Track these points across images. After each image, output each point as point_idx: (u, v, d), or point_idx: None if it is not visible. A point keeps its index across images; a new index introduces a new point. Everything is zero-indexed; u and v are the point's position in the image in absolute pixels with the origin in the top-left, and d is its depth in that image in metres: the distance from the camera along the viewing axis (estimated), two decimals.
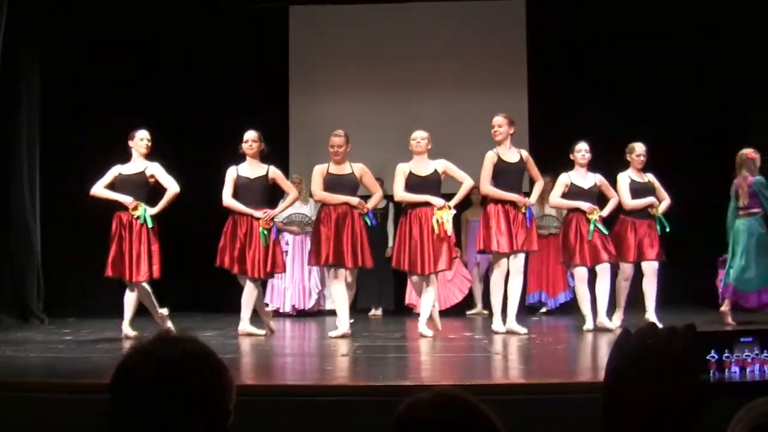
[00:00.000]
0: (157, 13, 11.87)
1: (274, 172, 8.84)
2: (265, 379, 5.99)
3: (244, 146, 8.71)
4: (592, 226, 8.80)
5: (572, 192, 9.04)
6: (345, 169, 8.64)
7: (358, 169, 8.72)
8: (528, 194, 8.97)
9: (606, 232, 8.89)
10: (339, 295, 8.51)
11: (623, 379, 1.45)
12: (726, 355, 1.49)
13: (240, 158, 8.77)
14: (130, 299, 8.52)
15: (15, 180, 10.22)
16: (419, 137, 8.73)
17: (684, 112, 11.69)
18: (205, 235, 9.62)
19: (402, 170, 8.64)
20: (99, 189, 8.63)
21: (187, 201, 9.24)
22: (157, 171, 8.70)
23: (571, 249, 8.90)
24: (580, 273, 8.89)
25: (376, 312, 11.87)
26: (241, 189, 8.64)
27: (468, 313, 11.75)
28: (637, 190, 9.15)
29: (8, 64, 9.52)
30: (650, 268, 9.05)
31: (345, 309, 8.46)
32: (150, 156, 8.80)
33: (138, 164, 8.68)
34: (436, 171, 8.66)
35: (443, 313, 10.97)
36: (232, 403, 1.81)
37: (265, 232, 8.54)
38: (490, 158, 8.75)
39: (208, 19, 12.26)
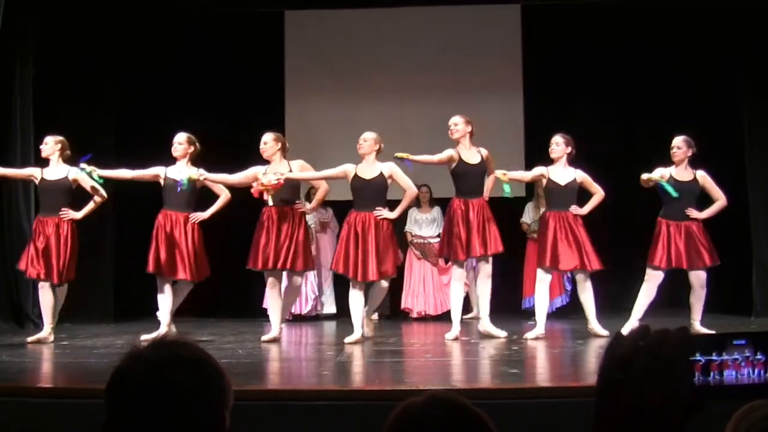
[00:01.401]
0: (151, 16, 11.87)
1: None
2: (261, 383, 5.99)
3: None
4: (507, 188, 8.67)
5: (549, 188, 8.86)
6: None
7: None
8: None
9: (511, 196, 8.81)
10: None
11: (615, 381, 1.45)
12: (719, 357, 1.49)
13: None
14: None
15: (9, 183, 10.20)
16: (362, 138, 8.69)
17: (680, 117, 11.70)
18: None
19: (345, 170, 8.60)
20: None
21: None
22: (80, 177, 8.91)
23: (549, 250, 8.62)
24: (544, 275, 8.72)
25: (373, 316, 11.86)
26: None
27: (464, 317, 11.72)
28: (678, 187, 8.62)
29: (2, 53, 9.54)
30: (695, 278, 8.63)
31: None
32: (149, 160, 8.86)
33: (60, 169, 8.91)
34: (381, 174, 8.58)
35: (439, 317, 10.99)
36: (229, 408, 1.81)
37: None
38: (447, 155, 8.69)
39: (202, 24, 12.26)
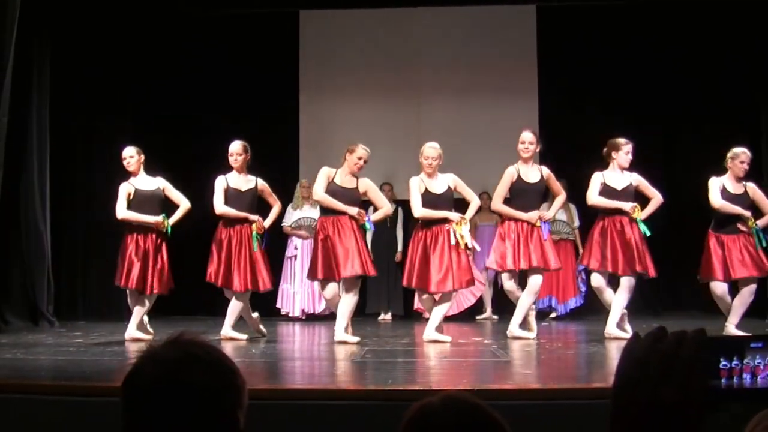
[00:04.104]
0: (167, 16, 11.90)
1: (263, 184, 8.91)
2: (274, 383, 5.99)
3: (230, 159, 8.76)
4: (642, 226, 8.42)
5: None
6: (352, 182, 8.60)
7: (364, 184, 8.70)
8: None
9: (648, 233, 8.45)
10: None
11: (631, 383, 1.45)
12: (736, 361, 1.48)
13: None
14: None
15: (25, 183, 10.25)
16: (431, 157, 8.52)
17: (694, 119, 11.69)
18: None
19: (417, 185, 8.52)
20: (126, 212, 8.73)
21: (201, 207, 9.28)
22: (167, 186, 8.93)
23: (601, 252, 8.47)
24: (599, 279, 8.57)
25: (385, 317, 11.88)
26: (231, 199, 8.71)
27: (477, 317, 11.74)
28: (729, 200, 8.46)
29: (19, 61, 9.58)
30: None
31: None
32: (154, 165, 8.91)
33: (148, 181, 8.88)
34: (449, 188, 8.57)
35: (452, 318, 10.98)
36: (244, 407, 1.81)
37: (258, 237, 8.65)
38: (509, 175, 8.64)
39: (218, 24, 12.28)
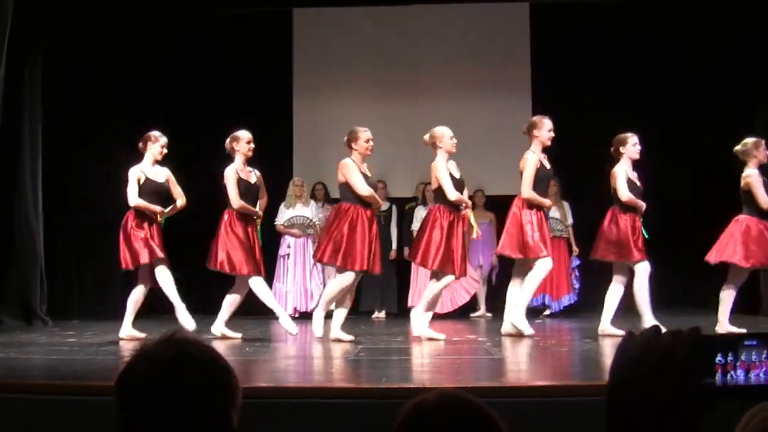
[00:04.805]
0: (159, 14, 11.87)
1: (260, 176, 8.89)
2: (268, 381, 5.99)
3: (248, 147, 8.71)
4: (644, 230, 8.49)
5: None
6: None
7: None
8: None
9: (647, 236, 8.53)
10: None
11: (626, 381, 1.45)
12: (730, 358, 1.49)
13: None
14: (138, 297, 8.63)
15: (18, 181, 10.24)
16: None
17: (689, 117, 11.70)
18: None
19: (446, 168, 8.51)
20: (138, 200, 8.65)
21: (195, 204, 9.27)
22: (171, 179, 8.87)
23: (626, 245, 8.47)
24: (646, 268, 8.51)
25: (379, 314, 11.88)
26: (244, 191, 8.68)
27: (471, 315, 11.74)
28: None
29: (11, 63, 9.56)
30: None
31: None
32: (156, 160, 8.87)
33: (158, 171, 8.80)
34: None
35: (447, 316, 10.99)
36: (238, 406, 1.81)
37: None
38: (534, 162, 8.57)
39: (210, 22, 12.26)
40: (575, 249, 11.68)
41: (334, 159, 8.71)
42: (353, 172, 8.33)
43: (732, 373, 1.49)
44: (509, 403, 4.47)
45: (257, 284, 8.57)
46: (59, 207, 11.29)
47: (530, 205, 8.54)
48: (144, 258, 8.46)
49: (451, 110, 12.09)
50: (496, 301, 10.61)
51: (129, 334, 8.50)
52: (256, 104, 12.21)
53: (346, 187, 8.40)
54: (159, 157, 8.76)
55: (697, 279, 10.38)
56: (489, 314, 11.59)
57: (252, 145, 8.70)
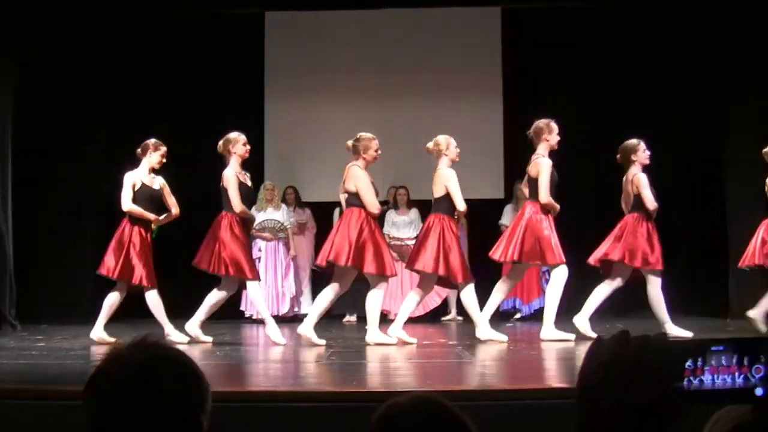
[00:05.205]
0: (129, 18, 11.81)
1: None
2: (239, 385, 5.98)
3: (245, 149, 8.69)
4: None
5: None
6: None
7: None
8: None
9: None
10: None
11: (595, 387, 1.46)
12: (699, 363, 1.50)
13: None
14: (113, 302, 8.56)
15: None
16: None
17: (659, 120, 11.74)
18: (185, 240, 9.55)
19: (456, 177, 8.55)
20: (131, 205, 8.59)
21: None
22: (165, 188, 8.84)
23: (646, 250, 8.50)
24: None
25: (351, 318, 11.86)
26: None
27: (443, 319, 11.76)
28: None
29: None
30: None
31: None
32: (122, 166, 8.83)
33: (155, 179, 8.75)
34: None
35: (418, 320, 10.99)
36: (207, 411, 1.81)
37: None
38: (549, 167, 8.52)
39: (181, 25, 12.21)
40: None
41: (305, 163, 8.71)
42: (366, 183, 8.39)
43: (700, 377, 1.50)
44: (480, 407, 4.49)
45: (256, 290, 8.58)
46: (28, 208, 11.18)
47: (546, 210, 8.52)
48: (137, 279, 8.45)
49: (423, 114, 12.12)
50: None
51: (100, 336, 8.44)
52: (227, 108, 12.16)
53: (357, 196, 8.41)
54: (157, 167, 8.72)
55: (694, 280, 10.47)
56: (460, 318, 11.60)
57: (248, 147, 8.67)
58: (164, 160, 8.72)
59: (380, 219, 11.83)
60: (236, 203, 8.44)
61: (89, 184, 11.34)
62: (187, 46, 12.32)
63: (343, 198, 8.60)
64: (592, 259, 8.65)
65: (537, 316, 11.44)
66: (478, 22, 12.57)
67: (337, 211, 11.19)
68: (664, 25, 11.72)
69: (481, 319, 8.45)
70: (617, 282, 8.58)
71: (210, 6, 11.94)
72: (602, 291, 8.55)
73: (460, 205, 8.46)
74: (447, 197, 8.52)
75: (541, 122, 8.74)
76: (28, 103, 10.85)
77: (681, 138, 11.29)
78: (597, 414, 1.44)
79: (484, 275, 9.33)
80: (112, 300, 8.59)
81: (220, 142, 8.67)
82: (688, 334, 8.11)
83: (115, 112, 11.88)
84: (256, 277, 8.53)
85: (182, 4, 11.80)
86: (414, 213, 11.68)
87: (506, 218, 11.44)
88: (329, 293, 8.42)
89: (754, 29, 10.62)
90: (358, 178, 8.37)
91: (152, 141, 8.72)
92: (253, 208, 11.70)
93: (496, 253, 8.72)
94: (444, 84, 12.37)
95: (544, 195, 8.45)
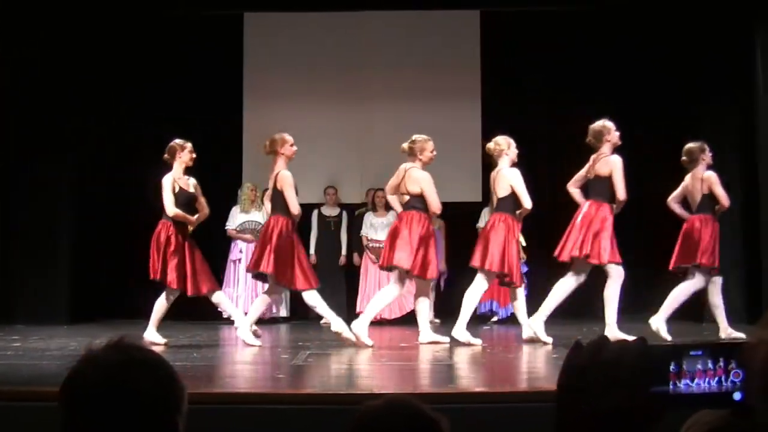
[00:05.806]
0: (106, 19, 11.76)
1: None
2: (215, 387, 5.96)
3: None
4: None
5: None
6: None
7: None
8: None
9: None
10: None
11: (574, 391, 1.46)
12: (675, 367, 1.51)
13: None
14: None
15: None
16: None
17: (639, 122, 11.78)
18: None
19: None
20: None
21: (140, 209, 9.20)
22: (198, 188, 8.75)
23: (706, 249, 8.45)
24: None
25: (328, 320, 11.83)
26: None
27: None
28: None
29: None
30: None
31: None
32: (105, 166, 8.77)
33: (189, 181, 8.66)
34: None
35: (395, 321, 10.99)
36: (183, 413, 1.80)
37: None
38: (621, 165, 8.39)
39: (159, 26, 12.15)
40: (523, 255, 11.71)
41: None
42: (432, 184, 8.43)
43: (678, 382, 1.51)
44: (457, 409, 4.49)
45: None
46: (4, 208, 11.12)
47: (616, 210, 8.41)
48: (180, 285, 8.34)
49: (401, 116, 12.10)
50: (445, 306, 10.62)
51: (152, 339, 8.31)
52: (206, 109, 12.13)
53: (420, 198, 8.44)
54: (190, 163, 8.57)
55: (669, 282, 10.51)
56: (437, 320, 11.58)
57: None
58: (194, 155, 8.60)
59: (358, 221, 11.89)
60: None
61: (89, 184, 11.31)
62: (187, 46, 12.28)
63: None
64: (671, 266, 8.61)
65: (514, 318, 11.44)
66: (458, 25, 12.58)
67: (315, 213, 11.21)
68: (652, 27, 11.77)
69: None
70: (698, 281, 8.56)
71: (188, 6, 11.90)
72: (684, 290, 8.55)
73: (527, 203, 8.43)
74: (512, 196, 8.50)
75: (597, 125, 8.56)
76: (28, 103, 10.81)
77: (667, 139, 11.31)
78: (576, 417, 1.45)
79: (463, 277, 9.33)
80: (161, 303, 8.49)
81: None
82: (668, 337, 8.14)
83: (115, 112, 11.83)
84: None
85: (160, 5, 11.77)
86: (392, 215, 11.67)
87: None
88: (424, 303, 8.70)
89: (745, 31, 10.67)
90: (423, 180, 8.41)
91: (177, 141, 8.57)
92: (234, 208, 11.71)
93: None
94: (423, 86, 12.37)
95: (622, 193, 8.25)
